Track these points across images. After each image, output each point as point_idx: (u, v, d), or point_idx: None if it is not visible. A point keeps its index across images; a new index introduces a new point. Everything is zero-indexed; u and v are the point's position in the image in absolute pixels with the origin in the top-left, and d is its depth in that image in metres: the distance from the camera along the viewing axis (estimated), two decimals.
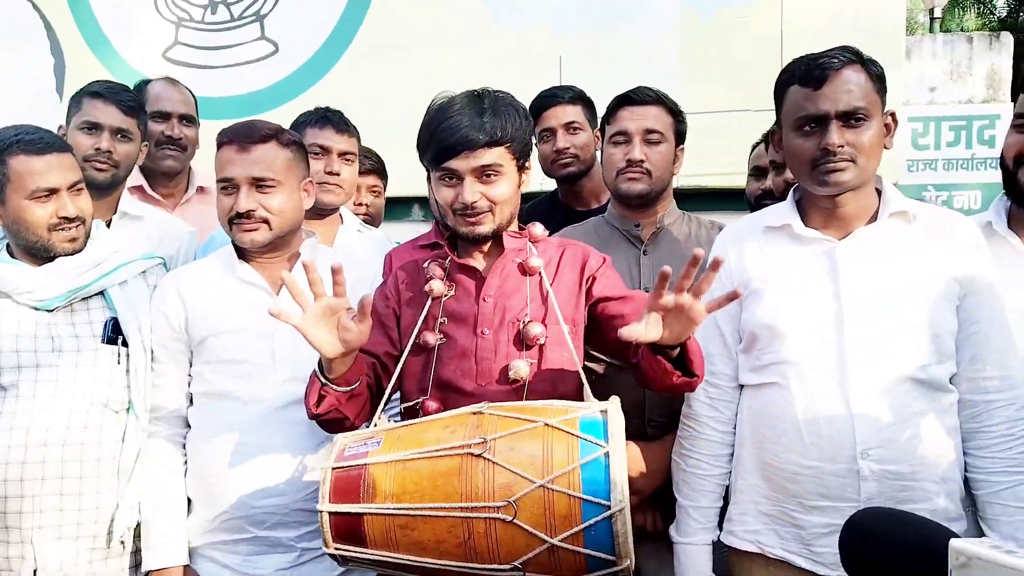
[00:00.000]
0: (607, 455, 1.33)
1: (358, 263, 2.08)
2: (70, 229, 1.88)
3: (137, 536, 1.93)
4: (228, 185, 1.87)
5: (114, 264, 1.97)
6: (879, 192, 1.74)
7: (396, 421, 1.68)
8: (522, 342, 1.68)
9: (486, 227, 1.67)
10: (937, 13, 5.22)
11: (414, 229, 4.17)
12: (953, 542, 1.01)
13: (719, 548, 1.88)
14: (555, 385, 1.69)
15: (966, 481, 1.69)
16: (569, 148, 2.67)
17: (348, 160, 2.45)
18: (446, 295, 1.72)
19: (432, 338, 1.70)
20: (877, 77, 1.66)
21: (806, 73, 1.66)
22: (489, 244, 1.74)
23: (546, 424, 1.37)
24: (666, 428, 1.97)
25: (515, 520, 1.32)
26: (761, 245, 1.80)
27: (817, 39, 3.57)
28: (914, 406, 1.62)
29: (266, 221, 1.87)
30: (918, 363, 1.63)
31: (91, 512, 1.86)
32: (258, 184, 1.86)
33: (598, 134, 2.74)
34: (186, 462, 1.95)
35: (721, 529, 1.86)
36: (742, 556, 1.82)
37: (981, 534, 1.68)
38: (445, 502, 1.35)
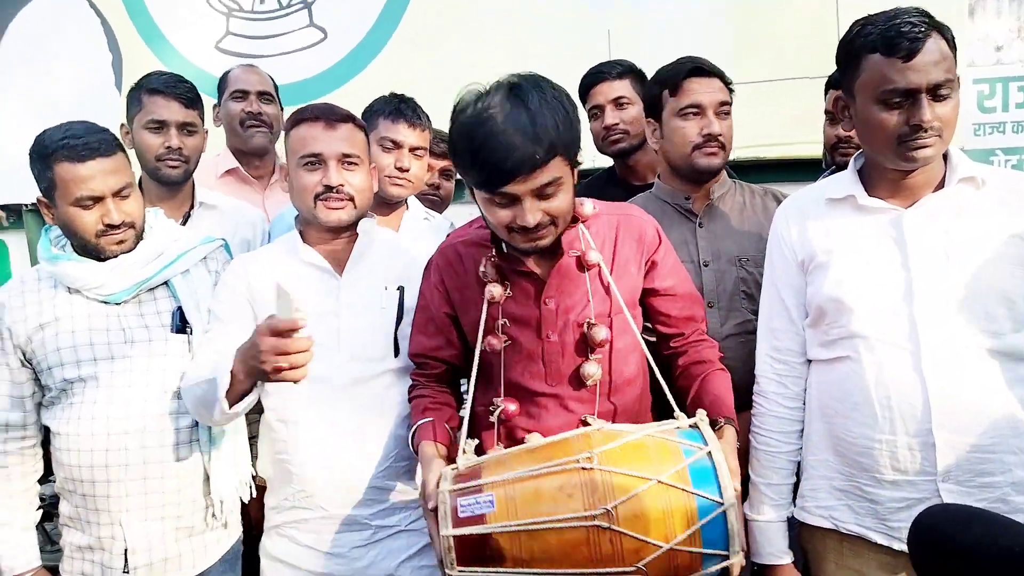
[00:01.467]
0: (724, 514, 1.39)
1: (417, 243, 2.09)
2: (116, 234, 1.90)
3: (223, 511, 2.00)
4: (315, 160, 1.87)
5: (175, 254, 2.00)
6: (945, 159, 1.68)
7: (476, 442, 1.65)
8: (587, 344, 1.67)
9: (547, 240, 1.58)
10: None
11: (466, 211, 4.17)
12: None
13: (791, 525, 1.86)
14: (625, 373, 1.72)
15: None
16: (618, 124, 2.63)
17: (418, 155, 2.46)
18: (505, 297, 1.69)
19: (498, 343, 1.69)
20: (952, 44, 1.59)
21: (891, 42, 1.55)
22: None
23: (660, 482, 1.40)
24: None
25: None
26: (824, 217, 1.75)
27: (876, 4, 3.49)
28: (990, 375, 1.57)
29: (352, 199, 1.89)
30: (993, 331, 1.57)
31: (174, 494, 1.94)
32: (345, 160, 1.88)
33: None
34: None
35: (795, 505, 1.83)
36: (815, 532, 1.79)
37: None
38: (576, 568, 1.40)
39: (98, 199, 1.86)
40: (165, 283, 2.00)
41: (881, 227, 1.67)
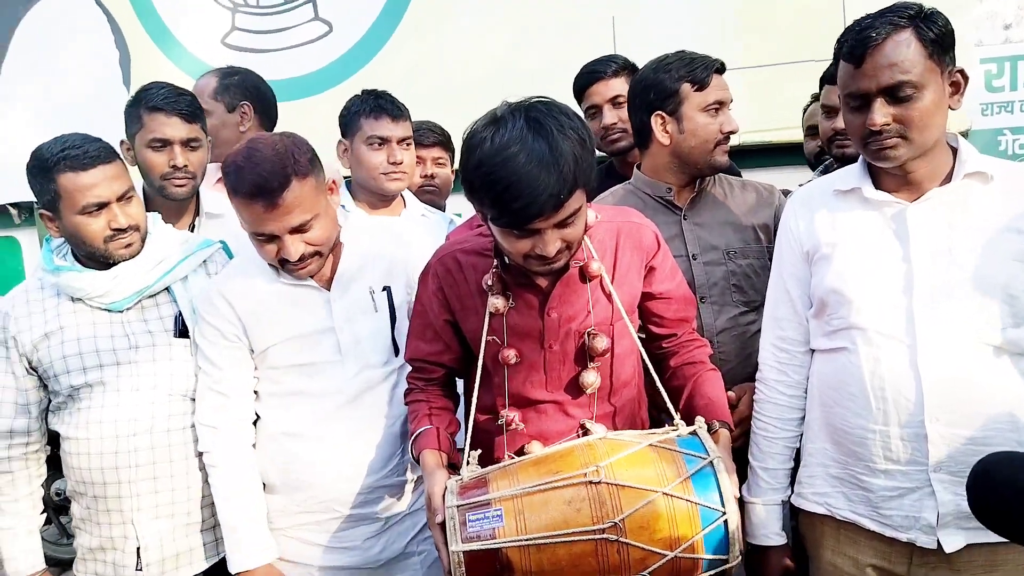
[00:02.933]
0: (726, 522, 1.44)
1: (386, 234, 2.08)
2: (124, 238, 1.93)
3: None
4: (267, 238, 1.79)
5: (175, 260, 2.03)
6: (955, 150, 1.67)
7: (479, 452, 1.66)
8: (587, 352, 1.69)
9: (562, 263, 1.57)
10: None
11: (465, 203, 4.17)
12: None
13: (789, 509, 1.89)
14: (622, 376, 1.75)
15: None
16: (616, 123, 2.61)
17: (407, 145, 2.47)
18: (508, 309, 1.68)
19: (512, 357, 1.69)
20: (933, 39, 1.56)
21: (849, 48, 1.60)
22: None
23: (664, 494, 1.45)
24: None
25: None
26: (831, 209, 1.76)
27: None
28: (988, 370, 1.58)
29: (317, 253, 1.85)
30: (992, 326, 1.58)
31: (183, 492, 1.98)
32: (297, 231, 1.79)
33: None
34: (256, 456, 1.98)
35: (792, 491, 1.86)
36: (812, 518, 1.82)
37: None
38: None
39: (104, 205, 1.90)
40: (166, 288, 2.03)
41: (885, 220, 1.68)
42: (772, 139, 3.59)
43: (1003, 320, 1.58)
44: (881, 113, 1.58)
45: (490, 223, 1.53)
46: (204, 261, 2.11)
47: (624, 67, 2.67)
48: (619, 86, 2.61)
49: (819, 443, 1.78)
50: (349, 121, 2.47)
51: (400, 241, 2.03)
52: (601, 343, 1.67)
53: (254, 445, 1.98)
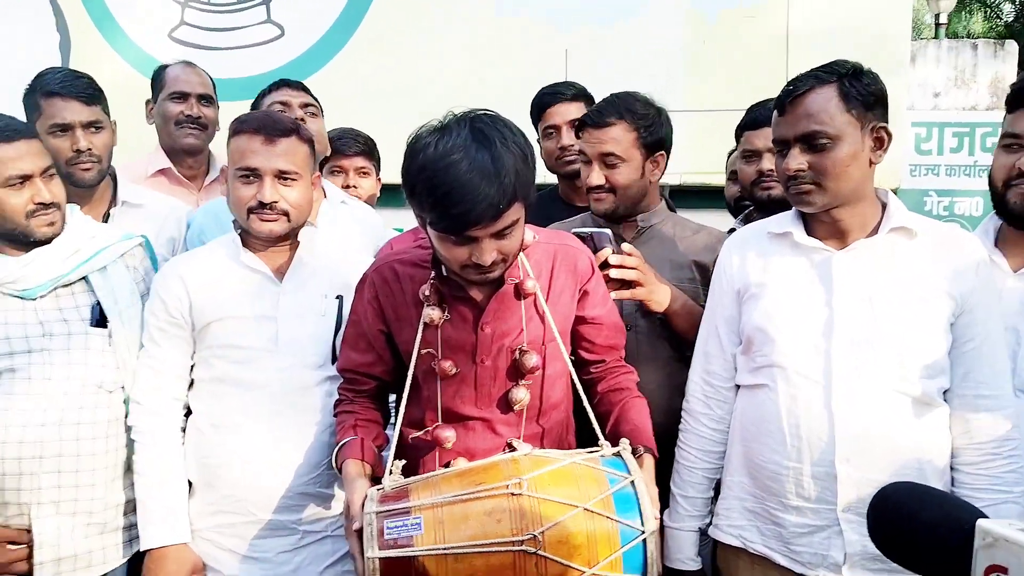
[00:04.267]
0: (644, 542, 1.44)
1: (359, 251, 2.10)
2: (47, 214, 1.88)
3: (131, 512, 1.95)
4: (250, 174, 1.86)
5: (93, 250, 1.97)
6: (885, 205, 1.75)
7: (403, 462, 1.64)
8: (518, 369, 1.69)
9: (497, 273, 1.59)
10: (943, 19, 5.22)
11: (412, 214, 4.17)
12: (981, 522, 1.01)
13: (708, 539, 1.93)
14: (552, 398, 1.75)
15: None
16: (573, 146, 2.64)
17: (313, 114, 2.53)
18: (442, 321, 1.68)
19: (451, 369, 1.68)
20: (858, 95, 1.64)
21: (779, 99, 1.71)
22: None
23: (585, 509, 1.44)
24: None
25: None
26: (763, 251, 1.82)
27: (823, 41, 3.62)
28: (899, 417, 1.64)
29: (286, 213, 1.88)
30: (905, 376, 1.64)
31: (88, 489, 1.90)
32: (282, 176, 1.87)
33: None
34: (184, 444, 1.96)
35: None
36: (727, 550, 1.86)
37: None
38: None
39: (27, 178, 1.84)
40: (83, 279, 1.97)
41: (813, 265, 1.74)
42: (709, 182, 3.69)
43: (917, 371, 1.64)
44: (795, 159, 1.67)
45: (428, 228, 1.54)
46: (123, 254, 2.04)
47: (582, 94, 2.74)
48: (578, 110, 2.66)
49: (737, 476, 1.82)
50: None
51: (368, 263, 2.00)
52: (531, 359, 1.67)
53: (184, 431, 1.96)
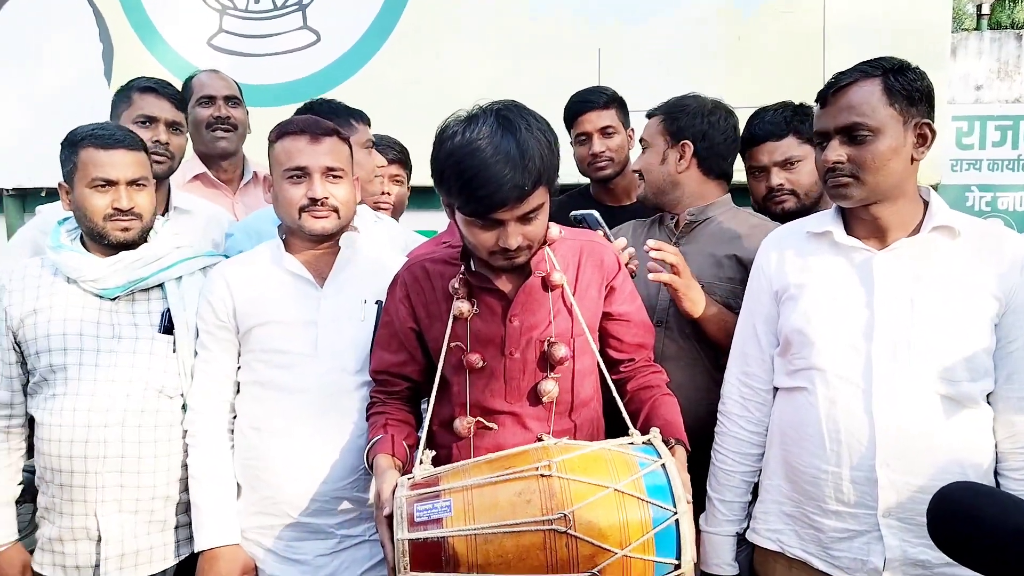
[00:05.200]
0: (677, 522, 1.42)
1: (398, 257, 2.11)
2: (123, 220, 1.97)
3: (185, 512, 2.01)
4: (300, 174, 1.91)
5: (173, 260, 2.06)
6: (928, 203, 1.72)
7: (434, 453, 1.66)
8: (547, 361, 1.70)
9: (523, 259, 1.63)
10: (985, 9, 5.10)
11: (443, 218, 4.19)
12: None
13: (746, 544, 1.91)
14: (582, 394, 1.76)
15: None
16: (604, 152, 2.74)
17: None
18: (472, 314, 1.71)
19: (478, 362, 1.71)
20: (902, 90, 1.63)
21: (822, 91, 1.70)
22: None
23: (616, 490, 1.43)
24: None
25: None
26: (802, 250, 1.81)
27: (861, 35, 3.57)
28: (941, 420, 1.61)
29: (336, 210, 1.93)
30: (948, 378, 1.62)
31: (148, 489, 1.97)
32: (329, 173, 1.92)
33: (631, 134, 2.77)
34: (232, 447, 2.01)
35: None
36: (766, 554, 1.85)
37: None
38: (531, 574, 1.42)
39: (112, 183, 1.95)
40: (160, 286, 2.05)
41: (853, 266, 1.72)
42: (741, 180, 3.65)
43: (958, 373, 1.62)
44: (835, 151, 1.66)
45: (457, 214, 1.60)
46: (203, 268, 2.12)
47: (613, 99, 2.80)
48: (609, 117, 2.76)
49: (775, 480, 1.81)
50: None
51: (388, 250, 2.05)
52: (560, 350, 1.69)
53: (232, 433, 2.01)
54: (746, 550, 1.93)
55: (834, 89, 1.66)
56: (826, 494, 1.68)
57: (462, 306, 1.70)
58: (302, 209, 1.91)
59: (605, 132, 2.74)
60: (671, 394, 1.79)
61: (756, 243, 2.09)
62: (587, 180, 2.93)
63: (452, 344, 1.71)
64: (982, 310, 1.63)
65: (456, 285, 1.71)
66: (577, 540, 1.39)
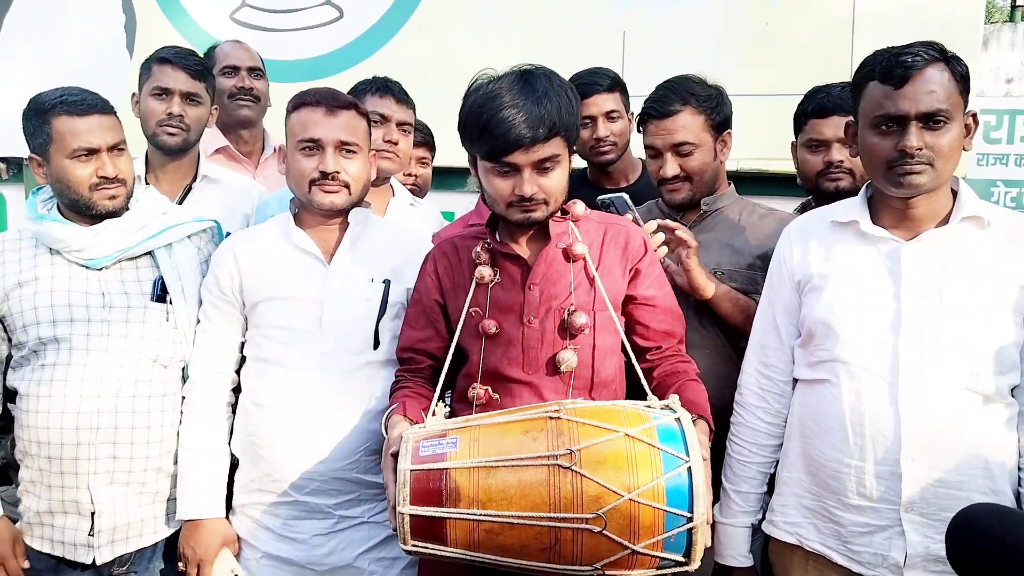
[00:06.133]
0: (689, 469, 1.37)
1: (411, 236, 2.12)
2: (110, 188, 1.93)
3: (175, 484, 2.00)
4: (313, 146, 1.89)
5: (160, 227, 2.02)
6: (955, 193, 1.68)
7: (448, 408, 1.67)
8: (567, 330, 1.69)
9: (540, 214, 1.66)
10: (1020, 1, 5.00)
11: (468, 200, 4.18)
12: None
13: (759, 534, 1.90)
14: (602, 372, 1.73)
15: (1018, 495, 1.65)
16: (609, 136, 2.68)
17: (405, 130, 2.49)
18: (494, 281, 1.73)
19: (492, 327, 1.71)
20: (961, 76, 1.59)
21: (887, 70, 1.59)
22: (533, 230, 1.74)
23: (627, 435, 1.39)
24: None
25: (604, 531, 1.36)
26: (826, 240, 1.77)
27: (890, 25, 3.50)
28: (967, 415, 1.59)
29: (347, 185, 1.91)
30: (975, 372, 1.59)
31: (141, 460, 1.95)
32: (343, 147, 1.89)
33: (631, 118, 2.74)
34: (232, 419, 2.01)
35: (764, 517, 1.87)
36: (782, 546, 1.83)
37: None
38: (533, 511, 1.37)
39: (94, 152, 1.89)
40: (149, 254, 2.02)
41: (880, 256, 1.69)
42: (768, 168, 3.61)
43: (987, 367, 1.59)
44: (919, 137, 1.58)
45: (479, 166, 1.67)
46: (191, 235, 2.09)
47: (617, 83, 2.74)
48: (614, 101, 2.69)
49: (795, 473, 1.79)
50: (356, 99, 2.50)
51: (420, 250, 2.00)
52: (580, 318, 1.68)
53: (234, 409, 2.01)
54: (757, 540, 1.92)
55: (911, 70, 1.57)
56: (848, 488, 1.66)
57: (484, 271, 1.73)
58: (312, 182, 1.89)
59: (610, 116, 2.68)
60: (699, 381, 1.75)
61: (769, 231, 2.09)
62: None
63: (472, 310, 1.73)
64: (1011, 302, 1.60)
65: (479, 250, 1.74)
66: (582, 478, 1.36)
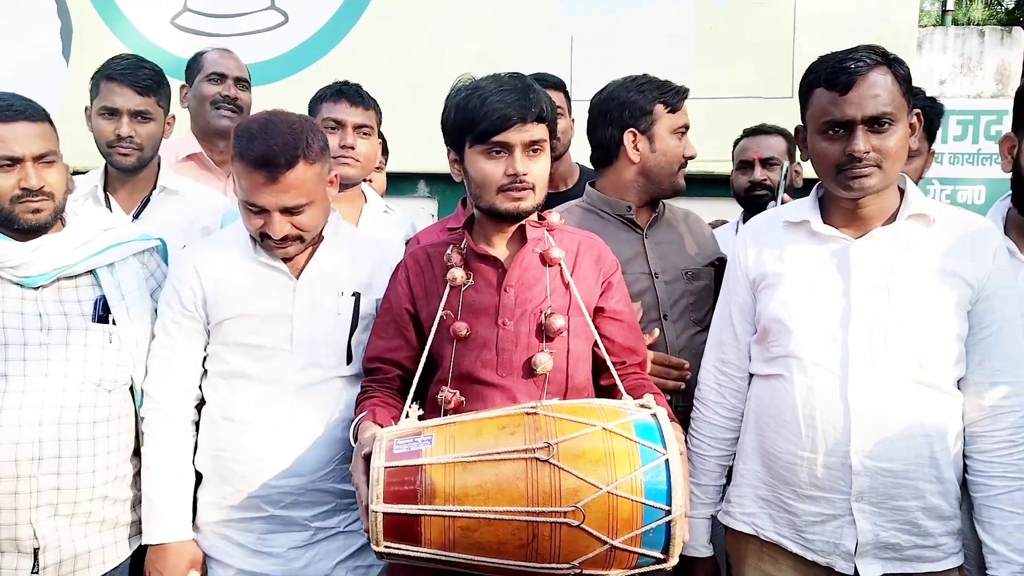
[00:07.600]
0: (667, 462, 1.37)
1: (378, 246, 2.07)
2: (33, 201, 1.78)
3: (136, 507, 1.93)
4: (259, 210, 1.79)
5: (103, 245, 1.91)
6: (903, 192, 1.73)
7: (421, 411, 1.63)
8: (543, 333, 1.69)
9: (529, 203, 1.68)
10: (950, 5, 5.18)
11: (418, 205, 4.16)
12: None
13: (719, 525, 1.93)
14: (575, 378, 1.73)
15: (964, 482, 1.70)
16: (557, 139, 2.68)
17: (364, 133, 2.44)
18: (466, 284, 1.72)
19: (463, 329, 1.70)
20: (903, 78, 1.64)
21: (832, 76, 1.63)
22: (511, 232, 1.74)
23: (604, 429, 1.39)
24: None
25: (582, 525, 1.34)
26: (779, 240, 1.81)
27: (830, 27, 3.60)
28: (914, 406, 1.64)
29: (299, 238, 1.84)
30: (922, 365, 1.64)
31: (87, 490, 1.82)
32: (290, 210, 1.79)
33: (572, 120, 2.77)
34: (195, 436, 1.94)
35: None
36: (738, 536, 1.86)
37: (974, 532, 1.70)
38: (511, 505, 1.35)
39: (17, 160, 1.75)
40: (90, 273, 1.90)
41: (830, 254, 1.73)
42: (714, 170, 3.67)
43: (934, 361, 1.64)
44: (865, 141, 1.62)
45: (466, 156, 1.68)
46: (136, 253, 1.98)
47: (559, 84, 2.76)
48: (558, 99, 2.64)
49: (750, 465, 1.82)
50: (311, 106, 2.46)
51: (390, 260, 1.97)
52: (558, 321, 1.68)
53: (197, 426, 1.94)
54: (719, 530, 1.94)
55: (854, 75, 1.61)
56: (801, 479, 1.70)
57: (456, 273, 1.72)
58: (264, 237, 1.82)
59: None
60: (661, 394, 1.75)
61: (704, 225, 2.21)
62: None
63: (443, 313, 1.71)
64: (956, 297, 1.65)
65: (451, 252, 1.74)
66: (560, 471, 1.34)
